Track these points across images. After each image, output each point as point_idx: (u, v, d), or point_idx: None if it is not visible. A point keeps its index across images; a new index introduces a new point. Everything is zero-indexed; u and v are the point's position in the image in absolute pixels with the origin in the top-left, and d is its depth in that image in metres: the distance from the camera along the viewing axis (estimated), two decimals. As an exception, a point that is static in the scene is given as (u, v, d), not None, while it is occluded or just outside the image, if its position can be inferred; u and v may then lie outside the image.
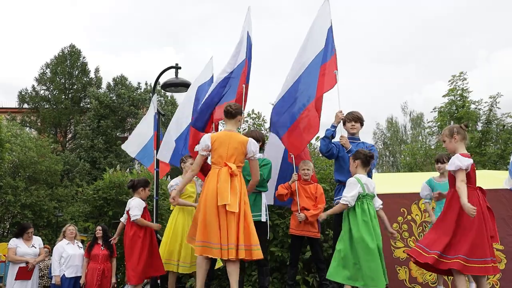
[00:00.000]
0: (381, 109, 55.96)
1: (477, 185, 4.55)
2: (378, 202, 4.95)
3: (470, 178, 4.47)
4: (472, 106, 19.24)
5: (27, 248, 8.00)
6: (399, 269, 7.18)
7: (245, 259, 4.39)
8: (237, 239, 4.30)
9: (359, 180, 4.78)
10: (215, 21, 61.05)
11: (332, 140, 5.52)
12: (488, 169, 15.46)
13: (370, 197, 4.79)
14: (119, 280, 9.25)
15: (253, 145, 4.61)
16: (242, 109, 5.33)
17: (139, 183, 6.52)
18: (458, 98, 19.15)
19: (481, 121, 19.50)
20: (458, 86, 19.16)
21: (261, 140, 5.68)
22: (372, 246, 4.56)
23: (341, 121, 5.49)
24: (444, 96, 19.45)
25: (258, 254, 4.39)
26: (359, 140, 5.57)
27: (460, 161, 4.37)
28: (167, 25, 60.15)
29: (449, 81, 19.21)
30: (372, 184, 4.85)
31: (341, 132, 5.49)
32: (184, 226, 6.21)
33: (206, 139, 4.66)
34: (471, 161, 4.48)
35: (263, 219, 5.31)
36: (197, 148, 4.74)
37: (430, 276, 7.22)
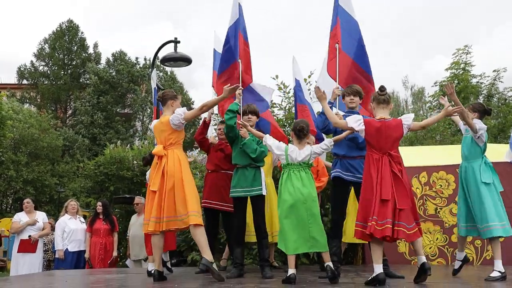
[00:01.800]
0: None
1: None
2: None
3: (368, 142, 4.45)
4: (474, 80, 19.13)
5: (30, 220, 8.14)
6: (398, 242, 7.24)
7: (171, 228, 4.83)
8: (161, 213, 4.79)
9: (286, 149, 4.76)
10: (214, -5, 60.27)
11: None
12: (489, 142, 15.46)
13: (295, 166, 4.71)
14: (121, 254, 9.35)
15: (171, 117, 4.95)
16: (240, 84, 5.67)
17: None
18: (461, 72, 19.02)
19: (483, 95, 19.42)
20: (462, 60, 19.01)
21: (257, 114, 5.67)
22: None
23: (339, 96, 5.46)
24: (446, 69, 19.31)
25: (176, 224, 4.78)
26: (358, 114, 5.53)
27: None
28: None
29: (453, 54, 19.04)
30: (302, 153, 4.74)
31: (337, 108, 5.45)
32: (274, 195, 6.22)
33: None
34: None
35: (264, 192, 5.34)
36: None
37: (430, 249, 7.29)
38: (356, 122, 4.48)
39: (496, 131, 18.07)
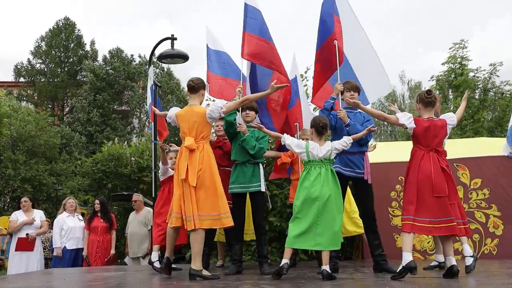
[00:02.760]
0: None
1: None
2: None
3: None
4: (471, 74, 19.16)
5: (27, 220, 8.09)
6: (397, 237, 7.25)
7: (196, 227, 4.56)
8: (192, 211, 4.54)
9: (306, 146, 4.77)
10: (210, -9, 60.08)
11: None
12: (486, 136, 15.51)
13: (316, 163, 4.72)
14: (119, 251, 9.34)
15: (210, 109, 4.77)
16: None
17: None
18: (458, 66, 19.04)
19: (479, 88, 19.45)
20: (458, 54, 19.03)
21: (256, 110, 5.66)
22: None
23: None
24: (443, 63, 19.33)
25: (208, 224, 4.59)
26: (357, 109, 5.53)
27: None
28: (162, -5, 59.17)
29: (450, 48, 19.06)
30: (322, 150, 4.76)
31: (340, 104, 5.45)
32: None
33: (172, 110, 5.03)
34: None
35: (263, 189, 5.34)
36: (167, 116, 5.08)
37: (428, 243, 7.30)
38: (408, 120, 4.62)
39: (493, 125, 18.11)
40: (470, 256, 4.83)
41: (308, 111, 6.85)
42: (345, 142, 4.82)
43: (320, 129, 4.75)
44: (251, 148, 5.29)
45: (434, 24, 52.48)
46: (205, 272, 4.68)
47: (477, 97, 19.48)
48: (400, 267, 4.33)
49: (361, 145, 5.22)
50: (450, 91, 20.20)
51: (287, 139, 4.91)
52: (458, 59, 19.05)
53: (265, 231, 5.44)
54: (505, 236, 7.10)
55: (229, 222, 4.65)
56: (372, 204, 5.33)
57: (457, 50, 19.02)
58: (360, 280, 4.42)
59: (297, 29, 57.59)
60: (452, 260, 4.42)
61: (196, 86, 4.88)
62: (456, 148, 8.15)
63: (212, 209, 4.58)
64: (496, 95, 19.39)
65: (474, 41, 42.11)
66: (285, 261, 4.55)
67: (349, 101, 5.05)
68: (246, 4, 6.09)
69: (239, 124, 5.41)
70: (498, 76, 19.01)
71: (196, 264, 4.59)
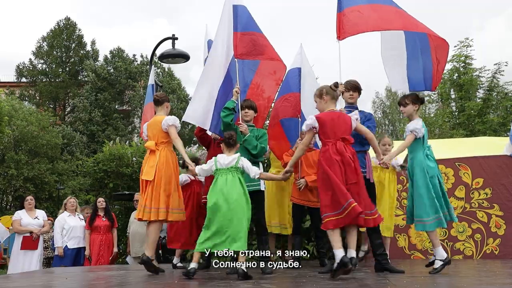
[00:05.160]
0: (380, 77, 55.53)
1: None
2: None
3: (325, 133, 4.69)
4: (474, 74, 19.11)
5: (31, 219, 8.16)
6: (398, 237, 7.25)
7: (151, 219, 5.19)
8: (150, 203, 5.20)
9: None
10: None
11: None
12: (489, 136, 15.48)
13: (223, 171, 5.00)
14: (121, 250, 9.36)
15: (165, 121, 5.36)
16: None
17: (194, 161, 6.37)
18: (462, 65, 18.99)
19: (483, 88, 19.40)
20: (462, 53, 18.96)
21: (255, 109, 5.64)
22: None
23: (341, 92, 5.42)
24: (447, 61, 19.25)
25: (162, 215, 5.18)
26: (357, 109, 5.52)
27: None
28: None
29: (455, 46, 18.96)
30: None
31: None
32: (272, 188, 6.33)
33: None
34: (314, 119, 4.73)
35: (262, 188, 5.33)
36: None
37: (429, 243, 7.28)
38: (310, 123, 4.78)
39: (496, 124, 18.07)
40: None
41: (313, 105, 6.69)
42: (254, 172, 5.00)
43: (227, 142, 5.09)
44: (253, 148, 5.28)
45: (435, 25, 52.42)
46: (155, 263, 5.38)
47: (480, 96, 19.44)
48: (335, 265, 4.38)
49: (363, 144, 5.21)
50: (452, 91, 20.17)
51: (196, 169, 5.20)
52: (462, 58, 18.99)
53: (266, 231, 5.44)
54: (507, 236, 7.08)
55: (177, 217, 5.32)
56: (374, 204, 5.32)
57: (460, 49, 18.97)
58: (361, 279, 4.41)
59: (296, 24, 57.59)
60: (352, 252, 4.50)
61: (160, 100, 5.61)
62: (458, 148, 8.15)
63: (163, 203, 5.18)
64: (499, 95, 19.34)
65: (473, 38, 42.09)
66: (193, 265, 4.76)
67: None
68: (234, 6, 6.03)
69: (240, 124, 5.39)
70: (503, 75, 18.94)
71: (149, 251, 5.21)
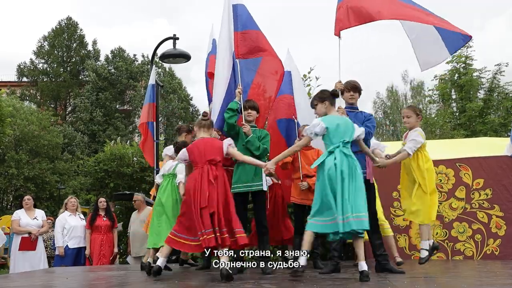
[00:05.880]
0: (381, 78, 55.54)
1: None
2: None
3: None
4: (475, 74, 19.11)
5: (29, 219, 8.13)
6: (398, 237, 7.24)
7: None
8: None
9: None
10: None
11: None
12: (490, 136, 15.48)
13: None
14: (121, 250, 9.37)
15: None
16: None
17: None
18: (463, 66, 18.98)
19: (484, 89, 19.40)
20: (462, 53, 18.95)
21: (257, 109, 5.64)
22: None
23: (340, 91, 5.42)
24: (447, 62, 19.24)
25: None
26: (358, 109, 5.51)
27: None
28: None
29: None
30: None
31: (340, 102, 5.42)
32: None
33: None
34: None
35: (265, 188, 5.33)
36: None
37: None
38: (182, 157, 5.02)
39: (497, 125, 18.07)
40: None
41: (308, 107, 6.71)
42: (179, 178, 5.53)
43: (176, 150, 5.53)
44: (255, 149, 5.28)
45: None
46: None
47: (481, 97, 19.44)
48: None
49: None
50: (453, 91, 20.17)
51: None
52: (463, 59, 18.98)
53: (267, 231, 5.44)
54: (507, 237, 7.08)
55: None
56: (375, 204, 5.32)
57: (461, 50, 18.95)
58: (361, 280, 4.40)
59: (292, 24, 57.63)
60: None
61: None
62: (459, 148, 8.13)
63: None
64: (499, 96, 19.34)
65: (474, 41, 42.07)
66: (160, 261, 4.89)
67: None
68: (234, 5, 6.03)
69: (243, 125, 5.38)
70: (503, 75, 18.94)
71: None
